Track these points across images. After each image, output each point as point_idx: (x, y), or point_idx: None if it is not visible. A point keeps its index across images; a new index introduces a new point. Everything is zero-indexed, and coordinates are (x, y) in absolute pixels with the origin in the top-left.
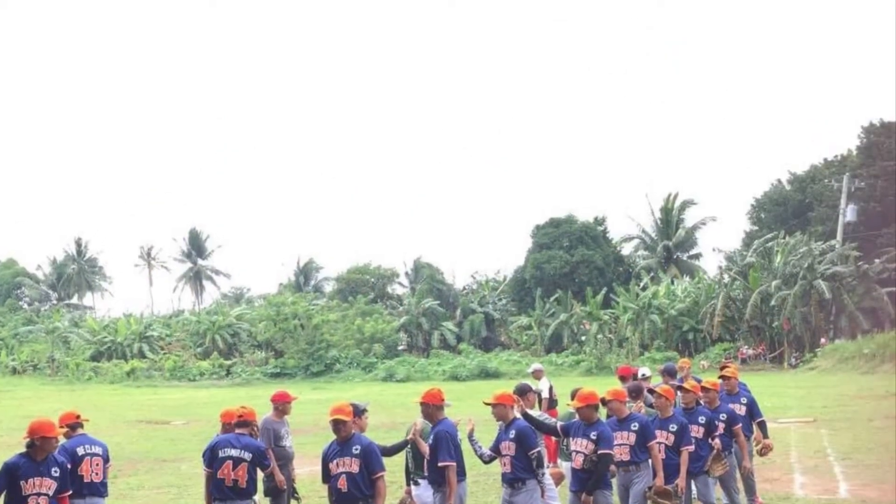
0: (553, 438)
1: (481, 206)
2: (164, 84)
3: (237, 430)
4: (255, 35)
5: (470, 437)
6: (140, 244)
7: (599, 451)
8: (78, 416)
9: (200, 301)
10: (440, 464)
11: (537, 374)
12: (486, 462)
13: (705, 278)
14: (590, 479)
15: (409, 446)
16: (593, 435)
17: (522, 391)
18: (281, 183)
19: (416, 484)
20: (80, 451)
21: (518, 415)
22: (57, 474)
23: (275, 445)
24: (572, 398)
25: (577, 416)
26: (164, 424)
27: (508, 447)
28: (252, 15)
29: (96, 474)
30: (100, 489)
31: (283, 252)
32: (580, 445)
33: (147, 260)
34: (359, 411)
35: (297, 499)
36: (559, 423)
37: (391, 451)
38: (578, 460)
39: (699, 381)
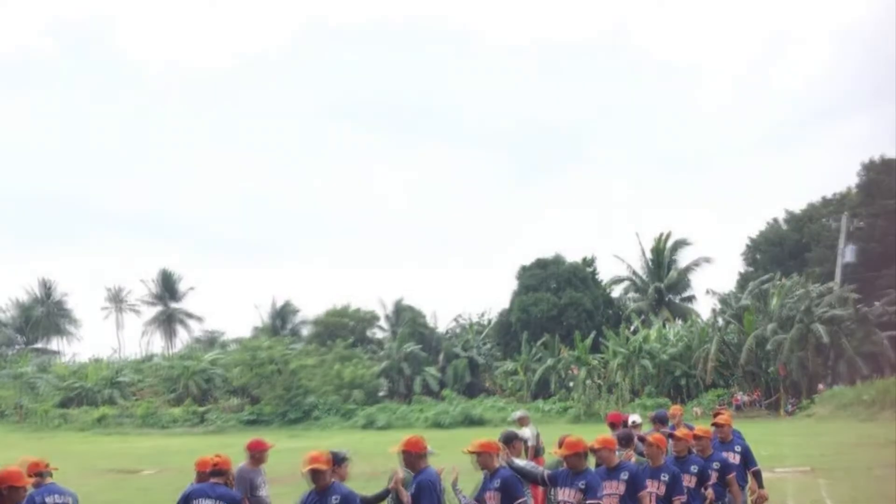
0: (540, 488)
1: (465, 246)
2: (135, 117)
3: (212, 480)
4: (226, 73)
5: (454, 486)
6: (108, 286)
7: (587, 501)
8: (46, 465)
9: (172, 345)
10: None
11: (522, 422)
12: None
13: (698, 321)
14: None
15: (391, 496)
16: (581, 484)
17: (509, 439)
18: (256, 221)
19: None
20: (49, 500)
21: (503, 463)
22: None
23: (250, 495)
24: (560, 446)
25: (564, 464)
26: (135, 473)
27: (493, 497)
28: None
29: None
30: None
31: (259, 294)
32: (567, 495)
33: (116, 303)
34: (339, 459)
35: None
36: (545, 472)
37: (374, 502)
38: None
39: (691, 429)
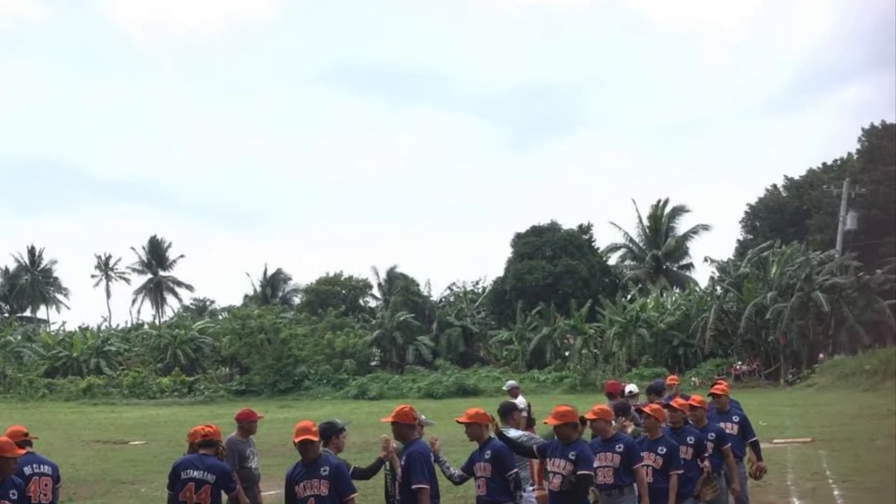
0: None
1: (459, 213)
2: (126, 82)
3: (201, 451)
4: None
5: (436, 458)
6: (97, 253)
7: (579, 472)
8: (26, 434)
9: (161, 314)
10: (414, 486)
11: (513, 392)
12: (456, 483)
13: (697, 290)
14: (568, 501)
15: (387, 466)
16: (572, 455)
17: (507, 410)
18: (248, 187)
19: None
20: (28, 470)
21: (493, 434)
22: (15, 497)
23: (240, 467)
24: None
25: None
26: (122, 444)
27: (483, 468)
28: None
29: (45, 495)
30: None
31: (250, 261)
32: (557, 466)
33: (104, 270)
34: (336, 430)
35: None
36: (536, 444)
37: (369, 473)
38: (556, 482)
39: (687, 399)
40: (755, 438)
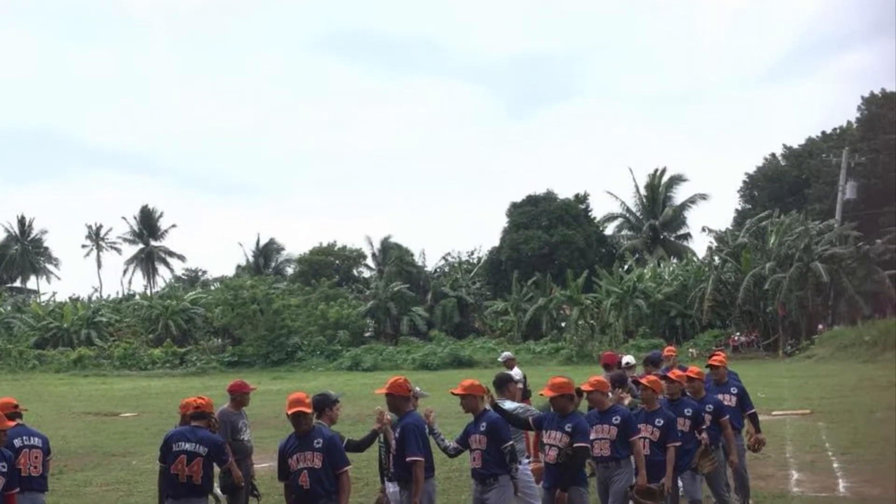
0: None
1: (455, 182)
2: (119, 50)
3: (193, 423)
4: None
5: (431, 430)
6: (87, 223)
7: (575, 445)
8: (16, 406)
9: (153, 284)
10: (408, 458)
11: (509, 364)
12: (451, 456)
13: (694, 260)
14: (564, 474)
15: (381, 439)
16: (568, 427)
17: (502, 381)
18: (241, 157)
19: (392, 480)
20: (18, 442)
21: (488, 406)
22: (4, 469)
23: (232, 439)
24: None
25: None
26: (113, 416)
27: (479, 441)
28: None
29: (34, 467)
30: (39, 483)
31: (243, 231)
32: (554, 438)
33: (95, 240)
34: (330, 401)
35: (257, 496)
36: (531, 416)
37: (363, 445)
38: (552, 454)
39: (684, 370)
40: (753, 410)
